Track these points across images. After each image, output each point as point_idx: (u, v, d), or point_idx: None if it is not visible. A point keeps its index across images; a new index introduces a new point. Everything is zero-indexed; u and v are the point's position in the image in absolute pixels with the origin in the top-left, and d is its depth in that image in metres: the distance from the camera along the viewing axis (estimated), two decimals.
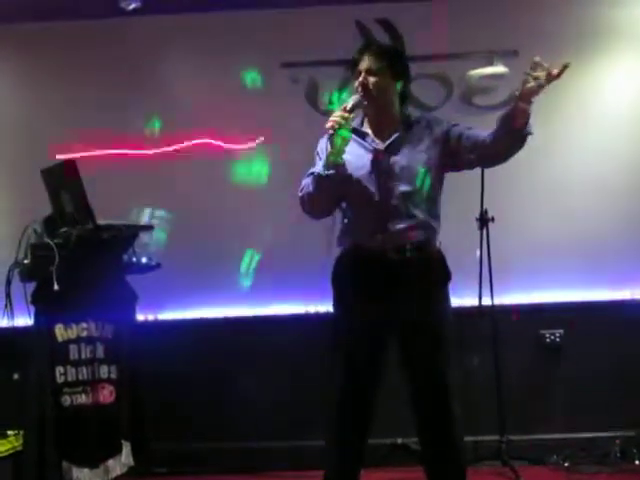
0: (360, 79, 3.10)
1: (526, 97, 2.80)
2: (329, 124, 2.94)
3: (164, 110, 5.15)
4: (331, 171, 2.97)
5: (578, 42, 4.97)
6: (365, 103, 3.08)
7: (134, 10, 5.05)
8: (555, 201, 4.97)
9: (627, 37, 5.08)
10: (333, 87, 5.09)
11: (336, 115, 2.96)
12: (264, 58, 5.11)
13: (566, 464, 4.49)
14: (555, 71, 2.75)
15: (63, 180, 3.86)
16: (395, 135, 3.11)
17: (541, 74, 2.76)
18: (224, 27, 5.18)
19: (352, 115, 3.02)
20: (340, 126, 2.94)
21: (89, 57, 5.22)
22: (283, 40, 5.11)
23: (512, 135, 2.90)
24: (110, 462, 3.80)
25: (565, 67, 2.74)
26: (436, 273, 3.13)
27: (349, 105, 3.01)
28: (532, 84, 2.77)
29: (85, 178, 3.73)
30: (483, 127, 3.06)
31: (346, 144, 2.97)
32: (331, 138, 2.95)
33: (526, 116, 2.84)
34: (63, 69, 5.25)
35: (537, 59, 2.78)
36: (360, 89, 3.09)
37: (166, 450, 4.65)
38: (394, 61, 3.15)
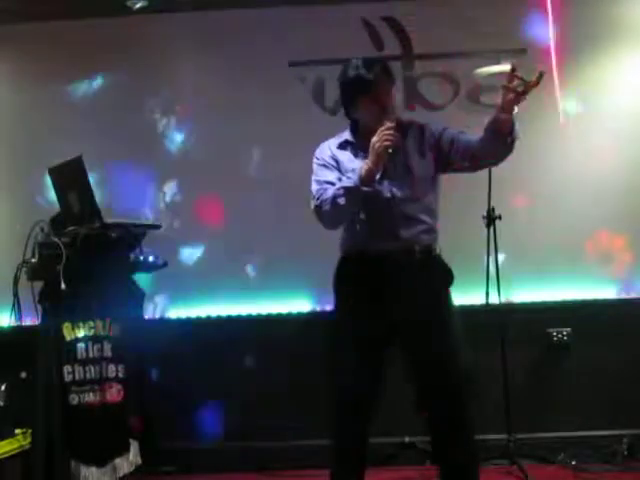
0: (388, 104, 3.09)
1: (507, 108, 2.86)
2: (387, 143, 2.94)
3: (169, 109, 5.15)
4: (370, 188, 2.98)
5: (585, 40, 4.97)
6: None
7: (141, 9, 5.06)
8: (563, 199, 4.95)
9: (635, 36, 5.06)
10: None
11: (391, 134, 2.96)
12: (271, 57, 5.11)
13: (573, 462, 4.47)
14: (532, 80, 2.78)
15: (71, 179, 3.87)
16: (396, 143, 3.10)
17: (517, 84, 2.80)
18: (231, 26, 5.19)
19: None
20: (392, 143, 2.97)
21: (94, 56, 5.21)
22: (290, 39, 5.11)
23: (499, 142, 2.94)
24: (118, 461, 3.81)
25: (541, 75, 2.78)
26: (440, 275, 3.16)
27: (392, 125, 3.00)
28: (511, 95, 2.81)
29: None
30: None
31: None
32: (382, 154, 2.95)
33: (509, 124, 2.89)
34: (67, 69, 5.25)
35: (514, 70, 2.82)
36: (389, 109, 3.08)
37: (173, 448, 4.65)
38: (390, 70, 3.19)
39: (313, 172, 3.21)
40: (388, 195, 3.07)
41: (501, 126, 2.89)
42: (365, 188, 2.98)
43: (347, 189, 3.00)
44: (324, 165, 3.18)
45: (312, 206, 3.13)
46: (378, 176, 3.03)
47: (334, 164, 3.16)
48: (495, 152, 3.01)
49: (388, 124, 2.99)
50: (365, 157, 3.05)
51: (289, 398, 4.80)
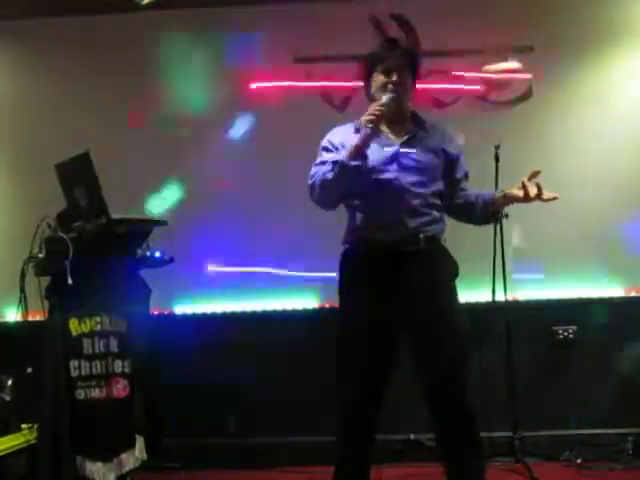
0: (395, 78, 3.11)
1: (510, 200, 3.14)
2: (370, 117, 2.98)
3: (174, 107, 5.15)
4: (358, 162, 3.00)
5: (593, 39, 4.97)
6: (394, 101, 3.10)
7: (145, 6, 5.04)
8: (569, 197, 4.91)
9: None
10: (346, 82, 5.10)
11: (376, 110, 2.99)
12: (277, 53, 5.10)
13: (579, 460, 4.47)
14: (546, 196, 3.09)
15: (78, 174, 3.86)
16: (411, 133, 3.16)
17: (531, 189, 3.03)
18: (237, 22, 5.18)
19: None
20: (379, 120, 2.99)
21: (99, 54, 5.21)
22: (297, 35, 5.10)
23: (488, 218, 3.31)
24: (123, 456, 3.81)
25: (553, 198, 3.11)
26: (447, 267, 3.18)
27: (384, 102, 3.04)
28: (520, 194, 3.05)
29: None
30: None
31: (373, 138, 3.02)
32: (367, 129, 2.97)
33: (502, 209, 3.28)
34: (71, 66, 5.25)
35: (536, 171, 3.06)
36: (392, 87, 3.11)
37: (179, 444, 4.66)
38: (415, 62, 3.24)
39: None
40: (395, 182, 3.08)
41: (495, 207, 3.21)
42: (353, 162, 2.99)
43: (335, 163, 3.02)
44: (326, 148, 3.19)
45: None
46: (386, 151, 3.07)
47: (340, 148, 3.13)
48: (479, 221, 3.32)
49: (382, 100, 3.03)
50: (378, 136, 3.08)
51: (293, 395, 4.80)
